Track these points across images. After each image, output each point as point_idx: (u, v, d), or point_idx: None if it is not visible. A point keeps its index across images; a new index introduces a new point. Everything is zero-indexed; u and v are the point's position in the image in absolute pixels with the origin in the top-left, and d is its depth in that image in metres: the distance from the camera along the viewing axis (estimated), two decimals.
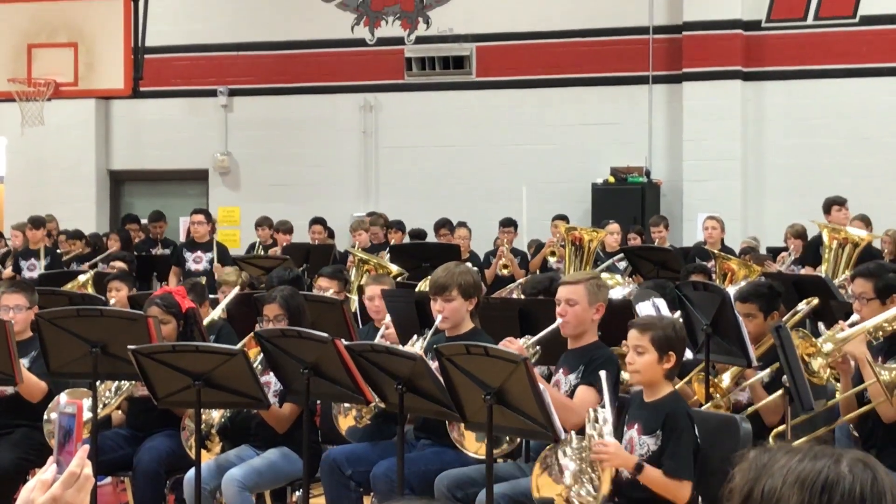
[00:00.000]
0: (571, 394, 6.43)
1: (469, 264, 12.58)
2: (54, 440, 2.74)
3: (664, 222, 15.30)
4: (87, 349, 7.08)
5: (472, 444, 6.59)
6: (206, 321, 8.85)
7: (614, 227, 14.58)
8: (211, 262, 13.98)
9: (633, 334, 5.90)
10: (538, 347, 6.79)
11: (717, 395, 7.22)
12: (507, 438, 6.55)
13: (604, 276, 11.88)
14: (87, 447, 2.72)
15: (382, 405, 7.00)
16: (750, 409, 6.99)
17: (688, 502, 5.67)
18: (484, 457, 6.12)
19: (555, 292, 6.86)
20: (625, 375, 6.47)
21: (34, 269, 14.43)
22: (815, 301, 8.10)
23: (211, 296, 10.11)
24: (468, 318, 7.10)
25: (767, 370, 7.09)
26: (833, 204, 13.60)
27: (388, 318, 8.39)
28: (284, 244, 15.71)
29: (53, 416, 7.33)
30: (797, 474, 2.27)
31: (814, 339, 6.68)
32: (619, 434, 5.86)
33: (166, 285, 10.94)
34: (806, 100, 17.68)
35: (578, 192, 18.21)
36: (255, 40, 20.00)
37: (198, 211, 14.80)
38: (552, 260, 14.52)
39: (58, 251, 15.54)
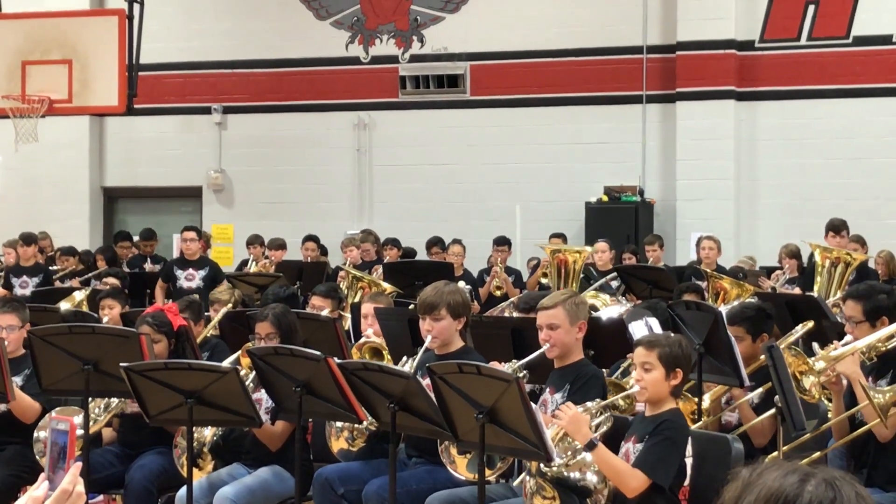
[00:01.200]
0: None
1: (462, 282, 12.63)
2: (45, 457, 2.74)
3: (659, 241, 15.31)
4: (79, 366, 7.07)
5: (465, 470, 6.57)
6: (199, 339, 8.85)
7: (601, 245, 14.55)
8: (203, 279, 13.96)
9: (640, 351, 5.91)
10: (525, 371, 6.80)
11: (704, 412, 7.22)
12: (500, 459, 6.53)
13: (589, 293, 11.91)
14: (79, 464, 2.72)
15: (374, 428, 7.00)
16: (739, 431, 6.98)
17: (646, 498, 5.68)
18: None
19: None
20: (619, 403, 6.46)
21: (26, 286, 14.40)
22: (811, 324, 8.11)
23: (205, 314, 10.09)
24: (457, 336, 7.10)
25: (757, 391, 7.10)
26: (829, 229, 13.60)
27: (370, 330, 8.44)
28: (277, 261, 15.70)
29: (42, 434, 7.32)
30: (766, 491, 2.31)
31: (806, 357, 6.70)
32: (615, 446, 5.86)
33: (155, 302, 10.92)
34: (799, 120, 17.71)
35: (572, 210, 18.22)
36: (249, 58, 20.03)
37: (189, 228, 14.80)
38: (545, 281, 14.51)
39: (50, 268, 15.51)
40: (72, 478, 2.65)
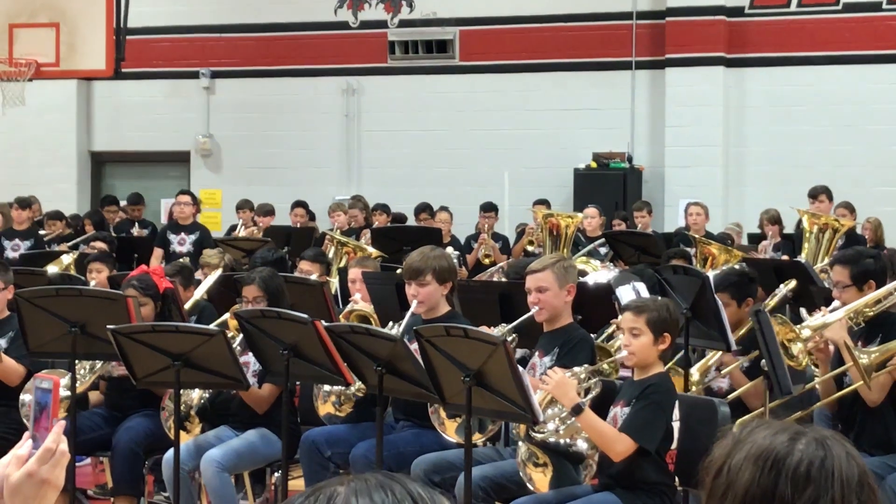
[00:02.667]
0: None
1: (450, 248, 12.62)
2: (30, 416, 2.73)
3: (647, 208, 15.31)
4: (66, 329, 7.05)
5: (454, 433, 6.58)
6: (189, 303, 8.84)
7: (591, 210, 14.52)
8: (195, 243, 13.93)
9: (627, 316, 5.91)
10: (514, 335, 6.81)
11: (691, 385, 7.23)
12: (491, 422, 6.55)
13: (581, 258, 11.93)
14: (63, 423, 2.70)
15: (361, 395, 7.01)
16: (732, 396, 6.99)
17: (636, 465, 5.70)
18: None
19: None
20: (604, 368, 6.47)
21: (18, 249, 14.37)
22: (794, 283, 8.10)
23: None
24: (443, 301, 7.12)
25: (748, 356, 7.11)
26: (809, 196, 13.64)
27: (357, 295, 8.44)
28: (265, 227, 15.66)
29: (27, 397, 7.29)
30: (756, 448, 2.31)
31: (793, 325, 6.71)
32: (604, 411, 5.88)
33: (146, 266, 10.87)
34: (788, 87, 17.69)
35: (560, 177, 18.19)
36: (237, 22, 19.94)
37: (184, 192, 14.78)
38: (531, 248, 14.50)
39: (41, 232, 15.47)
40: (55, 436, 2.64)
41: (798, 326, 6.73)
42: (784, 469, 2.28)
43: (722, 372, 7.30)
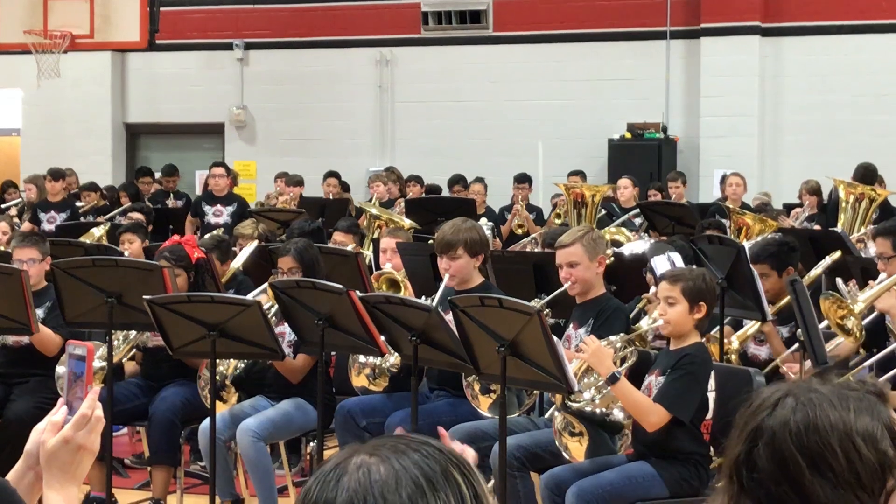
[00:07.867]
0: None
1: (484, 220, 12.60)
2: (65, 384, 2.74)
3: (682, 178, 15.22)
4: (102, 299, 7.08)
5: (487, 410, 6.58)
6: (226, 276, 8.84)
7: (624, 181, 14.49)
8: (231, 215, 13.97)
9: (663, 286, 5.91)
10: (548, 309, 6.80)
11: (730, 353, 7.21)
12: (527, 396, 6.53)
13: (611, 229, 11.92)
14: (97, 389, 2.72)
15: (395, 370, 7.02)
16: (769, 367, 6.95)
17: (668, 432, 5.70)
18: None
19: None
20: (643, 324, 6.44)
21: (53, 221, 14.41)
22: (838, 254, 8.05)
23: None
24: (476, 273, 7.11)
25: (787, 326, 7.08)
26: (866, 179, 13.23)
27: (388, 265, 8.44)
28: (295, 197, 15.65)
29: (61, 369, 7.32)
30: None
31: (844, 301, 6.65)
32: (638, 381, 5.87)
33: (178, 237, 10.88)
34: (824, 56, 17.56)
35: (595, 147, 18.14)
36: None
37: (218, 164, 14.81)
38: (558, 222, 14.46)
39: (77, 204, 15.52)
40: (90, 402, 2.65)
41: (849, 300, 6.68)
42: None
43: (765, 343, 7.26)
